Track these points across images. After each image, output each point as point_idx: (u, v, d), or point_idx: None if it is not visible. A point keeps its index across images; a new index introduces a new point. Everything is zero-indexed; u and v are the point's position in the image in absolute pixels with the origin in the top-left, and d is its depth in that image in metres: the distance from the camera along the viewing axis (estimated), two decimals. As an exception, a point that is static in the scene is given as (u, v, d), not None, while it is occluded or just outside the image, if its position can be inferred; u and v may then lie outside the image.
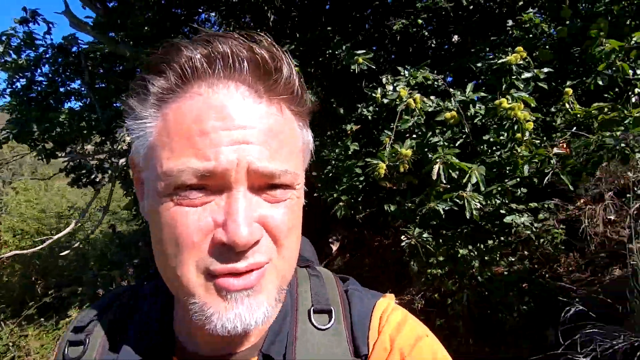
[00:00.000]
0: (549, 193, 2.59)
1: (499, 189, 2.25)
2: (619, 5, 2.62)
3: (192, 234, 0.40)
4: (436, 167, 2.21)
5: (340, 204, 3.10)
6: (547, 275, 2.32)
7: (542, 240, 2.45)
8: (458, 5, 4.58)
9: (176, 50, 0.42)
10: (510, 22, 3.56)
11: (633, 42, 2.19)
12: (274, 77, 0.43)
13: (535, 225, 2.52)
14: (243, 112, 0.41)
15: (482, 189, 2.09)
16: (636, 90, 2.30)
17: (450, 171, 2.21)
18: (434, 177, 2.20)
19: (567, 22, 2.74)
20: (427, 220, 2.41)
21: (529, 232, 2.48)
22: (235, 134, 0.40)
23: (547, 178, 1.98)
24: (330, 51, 3.58)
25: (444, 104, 2.72)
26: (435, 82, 2.67)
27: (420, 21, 4.81)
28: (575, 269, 2.33)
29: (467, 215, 2.04)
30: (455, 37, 5.04)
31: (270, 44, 0.43)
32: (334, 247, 5.10)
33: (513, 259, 2.57)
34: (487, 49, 3.56)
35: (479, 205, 2.07)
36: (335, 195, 3.07)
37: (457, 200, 2.16)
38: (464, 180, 2.15)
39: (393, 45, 5.31)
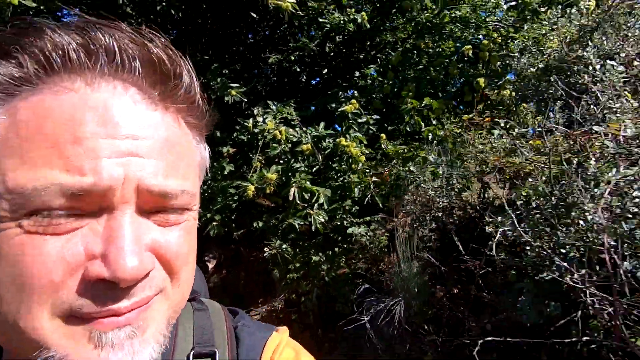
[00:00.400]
0: (378, 209, 3.41)
1: (340, 207, 2.90)
2: (422, 75, 3.70)
3: (52, 270, 0.30)
4: (292, 190, 2.73)
5: (214, 223, 3.35)
6: (374, 272, 3.06)
7: (372, 245, 3.22)
8: (323, 50, 5.40)
9: (37, 31, 0.33)
10: (357, 73, 4.49)
11: (424, 103, 3.17)
12: (172, 82, 0.36)
13: (369, 234, 3.28)
14: (133, 118, 0.34)
15: (326, 207, 2.69)
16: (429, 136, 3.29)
17: (304, 193, 2.77)
18: (291, 198, 2.71)
19: (390, 82, 3.70)
20: (286, 234, 2.89)
21: (364, 239, 3.22)
22: (123, 144, 0.33)
23: (367, 199, 2.70)
24: (205, 81, 3.85)
25: (304, 137, 3.32)
26: (292, 122, 3.23)
27: (292, 57, 5.46)
28: (394, 266, 3.13)
29: (313, 228, 2.60)
30: (324, 74, 5.87)
31: (165, 45, 0.37)
32: (210, 265, 5.21)
33: (354, 261, 3.28)
34: (341, 92, 4.39)
35: (322, 220, 2.65)
36: (209, 215, 3.31)
37: (308, 217, 2.71)
38: (313, 201, 2.72)
39: (271, 73, 5.86)
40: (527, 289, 1.33)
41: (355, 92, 3.74)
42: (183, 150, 0.39)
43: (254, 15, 4.02)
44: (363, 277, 2.81)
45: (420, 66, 3.96)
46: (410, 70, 3.75)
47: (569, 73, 1.78)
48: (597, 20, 2.04)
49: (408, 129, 3.32)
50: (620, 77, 1.26)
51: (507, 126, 2.27)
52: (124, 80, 0.35)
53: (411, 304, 1.89)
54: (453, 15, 3.79)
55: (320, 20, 4.12)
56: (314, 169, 3.30)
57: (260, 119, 3.55)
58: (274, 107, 3.63)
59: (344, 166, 3.08)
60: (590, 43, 1.71)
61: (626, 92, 1.31)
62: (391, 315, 1.86)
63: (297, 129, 3.46)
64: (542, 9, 2.93)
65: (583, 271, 1.08)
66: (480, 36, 3.76)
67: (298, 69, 5.78)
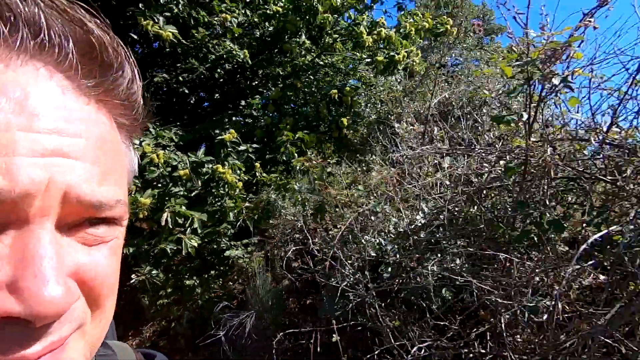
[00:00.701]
0: (256, 232, 3.64)
1: (215, 230, 3.04)
2: (298, 110, 4.16)
3: None
4: (165, 215, 2.76)
5: (77, 249, 3.10)
6: (250, 292, 3.25)
7: (249, 266, 3.41)
8: (213, 75, 5.52)
9: None
10: (243, 102, 4.76)
11: (297, 137, 3.59)
12: (112, 74, 0.30)
13: (246, 255, 3.47)
14: (60, 110, 0.27)
15: (199, 231, 2.80)
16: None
17: (177, 218, 2.82)
18: (163, 223, 2.74)
19: (271, 114, 4.06)
20: (159, 259, 2.88)
21: (241, 261, 3.39)
22: (47, 140, 0.25)
23: (239, 223, 2.91)
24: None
25: (183, 162, 3.38)
26: (168, 147, 3.28)
27: (181, 78, 5.43)
28: (256, 283, 3.36)
29: (184, 252, 2.67)
30: (215, 99, 5.95)
31: (102, 28, 0.30)
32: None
33: (231, 283, 3.41)
34: (227, 119, 4.57)
35: (195, 244, 2.75)
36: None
37: (180, 242, 2.77)
38: (187, 225, 2.80)
39: (159, 92, 5.68)
40: (331, 293, 1.74)
41: (246, 119, 3.99)
42: (116, 154, 0.32)
43: (134, 37, 3.97)
44: (238, 298, 2.97)
45: (297, 102, 4.45)
46: (288, 105, 4.18)
47: (390, 125, 2.37)
48: (414, 85, 2.73)
49: (284, 159, 3.69)
50: (405, 133, 1.81)
51: (336, 164, 2.79)
52: (48, 63, 0.27)
53: (264, 316, 2.13)
54: (326, 61, 4.41)
55: (205, 49, 4.28)
56: (194, 193, 3.37)
57: (136, 141, 3.48)
58: (153, 131, 3.60)
59: (221, 191, 3.24)
60: (402, 104, 2.34)
61: (413, 145, 1.87)
62: (242, 328, 2.07)
63: (177, 153, 3.50)
64: (373, 75, 3.68)
65: (358, 275, 1.52)
66: (352, 81, 4.44)
67: (187, 91, 5.76)
